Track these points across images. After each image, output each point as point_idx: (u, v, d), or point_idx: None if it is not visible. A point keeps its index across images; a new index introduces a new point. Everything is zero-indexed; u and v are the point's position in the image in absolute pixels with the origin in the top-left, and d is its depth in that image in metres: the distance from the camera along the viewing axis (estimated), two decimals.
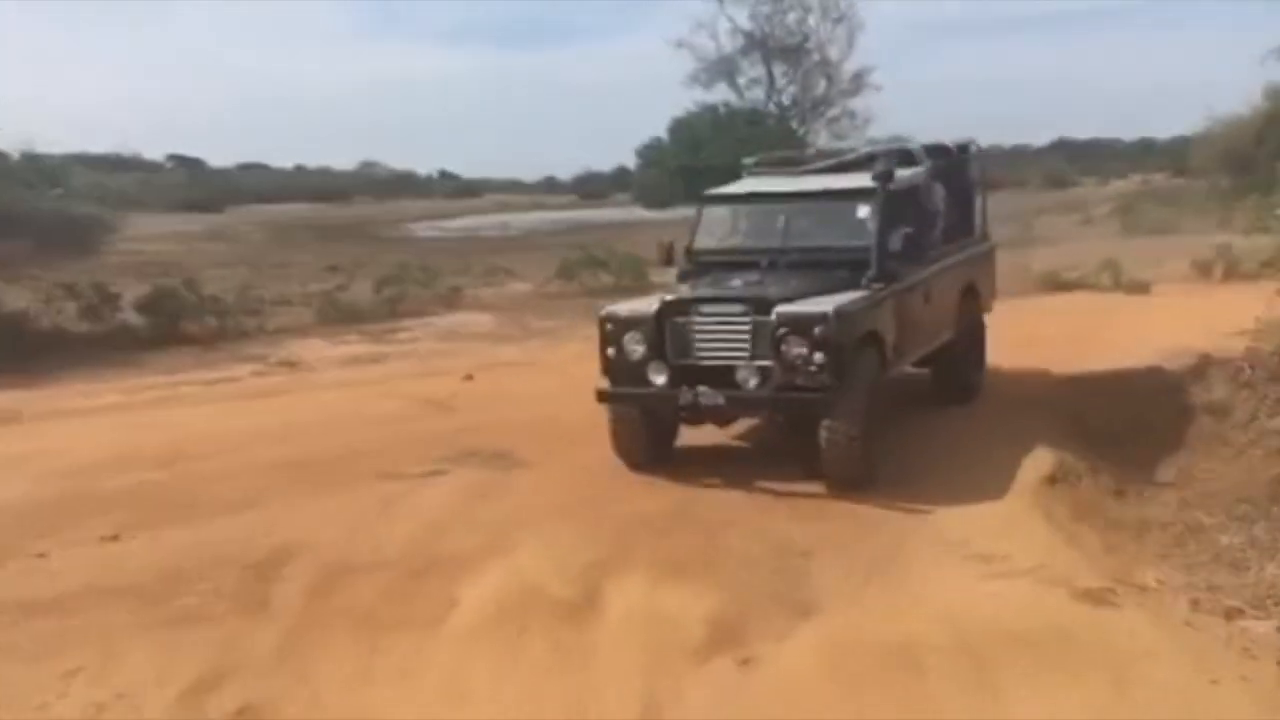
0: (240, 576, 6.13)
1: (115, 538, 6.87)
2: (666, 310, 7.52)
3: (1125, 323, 13.47)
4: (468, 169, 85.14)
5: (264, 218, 52.29)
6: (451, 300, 20.15)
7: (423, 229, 48.99)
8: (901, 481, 7.27)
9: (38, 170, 19.83)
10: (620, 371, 7.63)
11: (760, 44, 39.43)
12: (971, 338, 9.76)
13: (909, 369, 8.79)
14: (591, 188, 72.03)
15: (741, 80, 39.92)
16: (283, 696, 4.90)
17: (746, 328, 7.29)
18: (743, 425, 8.62)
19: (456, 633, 5.44)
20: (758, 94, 39.96)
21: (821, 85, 40.09)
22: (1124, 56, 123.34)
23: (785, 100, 40.16)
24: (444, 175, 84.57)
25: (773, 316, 7.11)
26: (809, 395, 7.06)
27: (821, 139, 37.17)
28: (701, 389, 7.27)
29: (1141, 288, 16.77)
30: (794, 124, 38.91)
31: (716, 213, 8.99)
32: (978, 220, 10.33)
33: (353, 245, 34.77)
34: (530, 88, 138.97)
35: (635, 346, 7.52)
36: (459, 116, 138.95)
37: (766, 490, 7.29)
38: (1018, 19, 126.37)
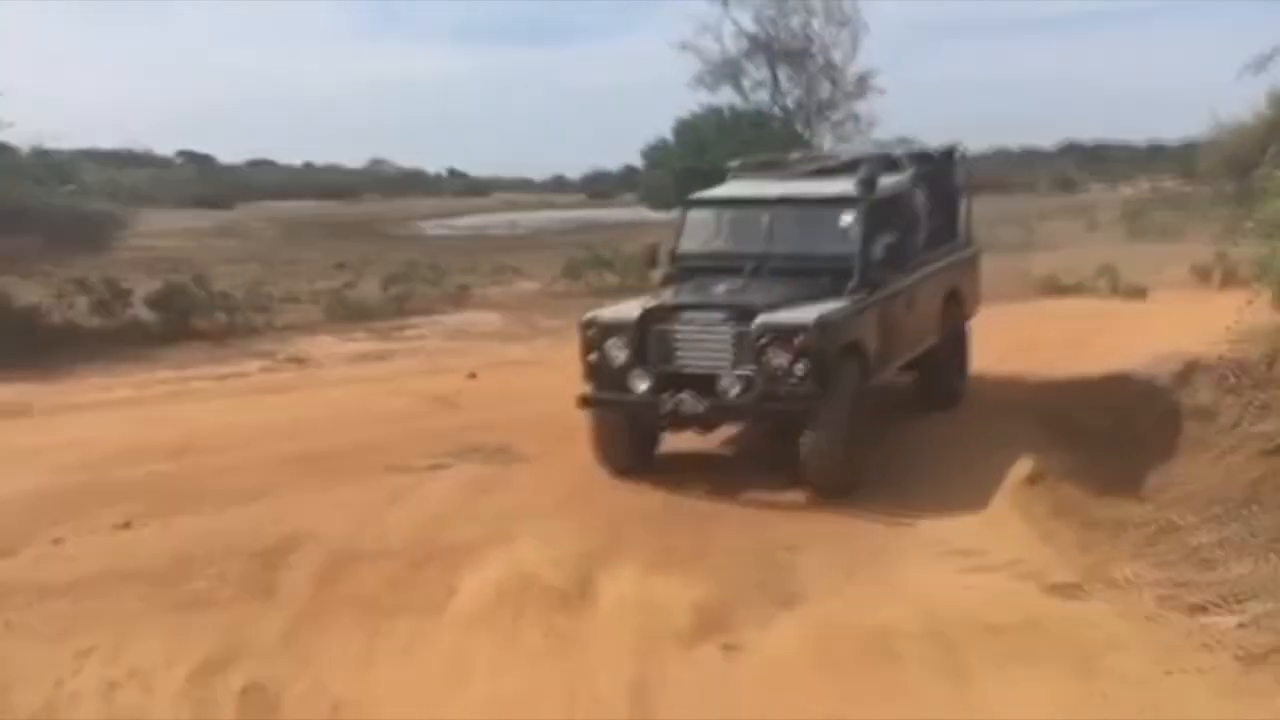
0: (248, 564, 6.37)
1: (127, 526, 7.11)
2: (649, 316, 7.53)
3: (1119, 328, 13.63)
4: (476, 168, 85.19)
5: (274, 214, 52.45)
6: (459, 299, 20.31)
7: (431, 227, 49.10)
8: (885, 484, 7.43)
9: (48, 166, 19.97)
10: (602, 377, 7.62)
11: (765, 47, 39.54)
12: (955, 344, 9.80)
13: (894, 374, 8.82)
14: (600, 187, 72.08)
15: (746, 83, 39.99)
16: (287, 677, 5.14)
17: (728, 336, 7.29)
18: (729, 431, 8.66)
19: (456, 618, 5.69)
20: (763, 97, 40.10)
21: (826, 88, 40.17)
22: (1133, 58, 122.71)
23: (790, 103, 40.27)
24: (453, 174, 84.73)
25: (754, 325, 7.13)
26: (790, 405, 7.09)
27: (826, 142, 37.24)
28: (683, 396, 7.25)
29: (1139, 293, 16.94)
30: (799, 127, 39.01)
31: (700, 216, 8.97)
32: (962, 226, 10.33)
33: (361, 243, 34.96)
34: (535, 87, 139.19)
35: (617, 352, 7.51)
36: (466, 115, 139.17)
37: (752, 492, 7.45)
38: (1024, 20, 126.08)
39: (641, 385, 7.41)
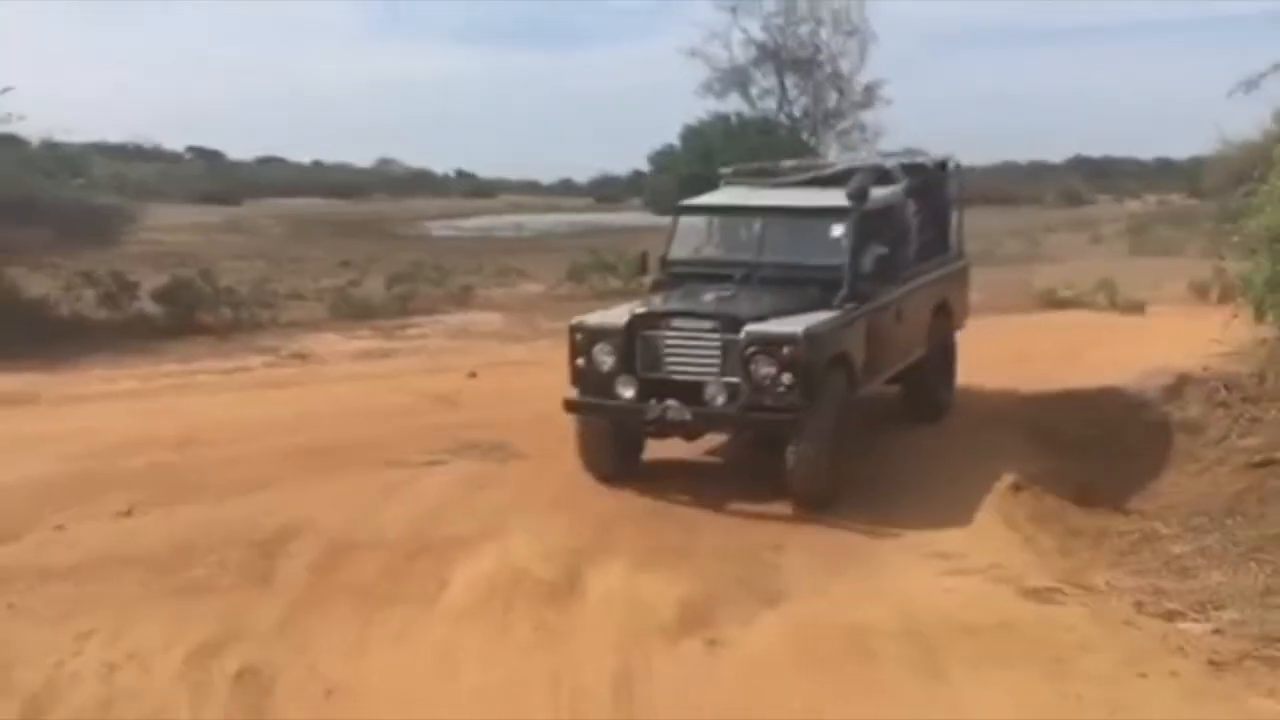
0: (247, 552, 6.50)
1: (129, 513, 7.24)
2: (637, 323, 7.49)
3: (1114, 342, 13.69)
4: (484, 169, 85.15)
5: (281, 211, 52.58)
6: (463, 299, 20.44)
7: (438, 227, 49.22)
8: (872, 490, 7.50)
9: (58, 159, 20.11)
10: (589, 382, 7.58)
11: (773, 55, 39.72)
12: (942, 355, 9.78)
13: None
14: (607, 191, 72.13)
15: (754, 91, 40.23)
16: (282, 662, 5.28)
17: (716, 345, 7.25)
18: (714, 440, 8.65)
19: (449, 609, 5.84)
20: (770, 104, 40.32)
21: (833, 97, 40.41)
22: (1144, 74, 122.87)
23: (797, 111, 40.46)
24: (461, 174, 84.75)
25: (742, 335, 7.10)
26: (776, 415, 7.05)
27: (832, 151, 37.42)
28: (669, 403, 7.22)
29: (1136, 308, 17.05)
30: (805, 135, 39.14)
31: (692, 223, 8.96)
32: (953, 238, 10.30)
33: (368, 242, 35.12)
34: (544, 90, 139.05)
35: (604, 358, 7.47)
36: (475, 116, 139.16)
37: (736, 503, 7.47)
38: (1036, 32, 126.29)
39: (627, 391, 7.38)
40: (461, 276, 22.32)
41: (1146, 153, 75.49)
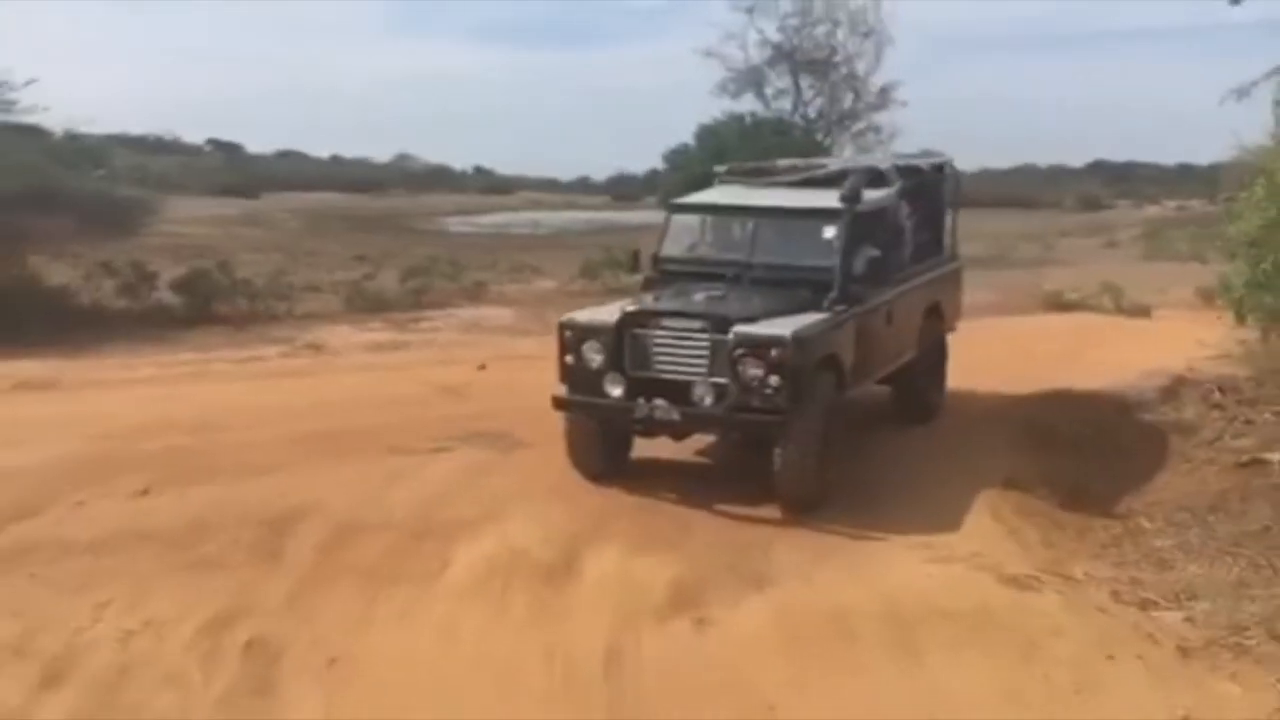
0: (258, 531, 6.74)
1: (146, 492, 7.46)
2: (627, 321, 7.46)
3: (1116, 344, 13.79)
4: (502, 166, 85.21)
5: (299, 205, 52.77)
6: (475, 294, 20.65)
7: (455, 223, 49.43)
8: (863, 484, 7.61)
9: (80, 150, 20.43)
10: (577, 380, 7.56)
11: (788, 56, 39.71)
12: (934, 357, 9.74)
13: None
14: (624, 189, 72.08)
15: (769, 91, 40.18)
16: (289, 634, 5.56)
17: (705, 345, 7.21)
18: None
19: (450, 587, 6.10)
20: (785, 105, 40.24)
21: (848, 99, 40.39)
22: (1167, 79, 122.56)
23: (812, 112, 40.38)
24: (479, 171, 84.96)
25: (731, 336, 7.05)
26: (764, 417, 7.00)
27: (847, 152, 37.36)
28: (657, 403, 7.21)
29: (1142, 311, 17.17)
30: (820, 136, 39.14)
31: (684, 221, 8.91)
32: (947, 240, 10.23)
33: (385, 237, 35.41)
34: (562, 88, 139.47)
35: (593, 355, 7.46)
36: (493, 113, 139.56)
37: (723, 504, 7.48)
38: (1057, 37, 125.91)
39: (616, 390, 7.36)
40: (476, 272, 22.56)
41: (1168, 158, 75.10)
